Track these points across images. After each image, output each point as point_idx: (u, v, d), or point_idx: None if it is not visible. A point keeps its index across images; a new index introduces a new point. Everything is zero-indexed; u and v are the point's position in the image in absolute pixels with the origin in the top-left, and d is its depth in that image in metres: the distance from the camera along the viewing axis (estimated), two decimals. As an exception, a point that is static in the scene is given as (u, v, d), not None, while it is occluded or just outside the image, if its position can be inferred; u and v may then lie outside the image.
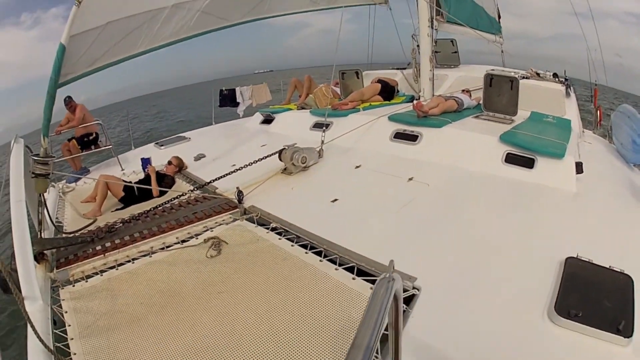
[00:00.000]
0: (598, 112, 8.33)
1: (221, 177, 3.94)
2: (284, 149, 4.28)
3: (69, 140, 6.22)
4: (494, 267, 2.42)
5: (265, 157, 4.24)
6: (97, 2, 3.22)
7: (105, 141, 6.29)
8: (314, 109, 6.36)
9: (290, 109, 6.74)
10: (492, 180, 3.76)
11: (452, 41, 8.12)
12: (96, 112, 6.52)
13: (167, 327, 2.09)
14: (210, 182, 3.94)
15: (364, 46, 9.36)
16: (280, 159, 4.28)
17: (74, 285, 2.54)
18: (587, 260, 2.34)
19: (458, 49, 8.18)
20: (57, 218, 3.81)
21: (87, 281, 2.57)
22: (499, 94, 5.37)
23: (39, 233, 2.94)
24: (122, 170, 5.34)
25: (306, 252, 2.66)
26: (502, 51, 10.79)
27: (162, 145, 6.22)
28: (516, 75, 5.44)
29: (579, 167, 3.74)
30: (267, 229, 3.08)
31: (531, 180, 3.65)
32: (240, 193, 3.52)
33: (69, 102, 6.24)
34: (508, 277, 2.33)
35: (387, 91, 6.67)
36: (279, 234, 2.98)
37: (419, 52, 6.85)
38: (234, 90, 8.39)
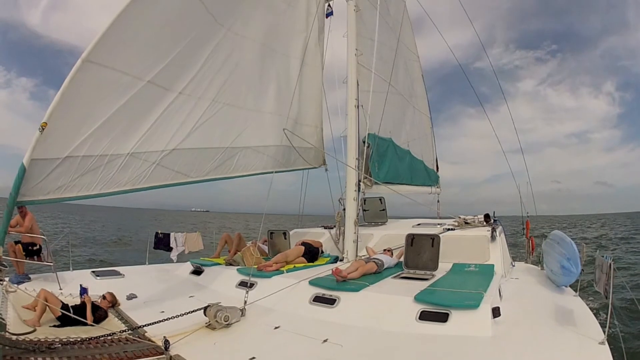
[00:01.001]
0: (530, 242, 8.90)
1: (151, 323, 4.15)
2: (209, 305, 4.49)
3: (15, 242, 6.43)
4: None
5: (192, 311, 4.42)
6: (58, 134, 3.63)
7: (46, 256, 6.54)
8: (241, 266, 6.68)
9: (219, 264, 7.07)
10: (406, 337, 3.93)
11: (380, 199, 8.75)
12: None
13: None
14: (141, 326, 4.19)
15: (296, 197, 9.91)
16: (205, 315, 4.45)
17: None
18: None
19: (386, 207, 8.76)
20: (0, 314, 4.00)
21: None
22: (420, 252, 5.81)
23: None
24: (60, 289, 5.51)
25: None
26: (438, 201, 11.76)
27: (98, 276, 6.43)
28: (438, 232, 5.92)
29: (495, 312, 4.01)
30: None
31: (446, 333, 3.86)
32: (167, 342, 3.76)
33: (21, 207, 6.61)
34: None
35: (311, 253, 7.13)
36: None
37: (344, 215, 7.50)
38: (168, 235, 8.85)
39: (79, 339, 3.76)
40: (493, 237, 6.61)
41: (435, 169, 12.43)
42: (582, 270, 5.38)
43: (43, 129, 3.56)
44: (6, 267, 3.48)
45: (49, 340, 3.65)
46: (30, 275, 6.17)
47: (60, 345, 3.52)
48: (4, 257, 3.59)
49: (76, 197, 4.11)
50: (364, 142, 8.23)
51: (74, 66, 3.81)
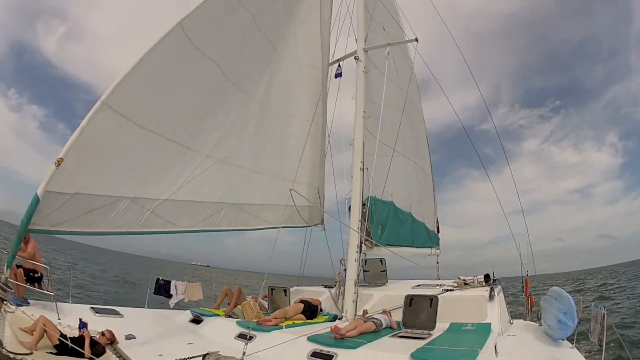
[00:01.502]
0: (529, 300, 8.90)
1: None
2: (209, 353, 4.43)
3: (17, 266, 6.41)
4: None
5: (191, 357, 4.45)
6: (71, 171, 3.84)
7: (47, 285, 6.53)
8: (240, 319, 6.70)
9: (219, 315, 7.08)
10: None
11: (381, 260, 8.82)
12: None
13: None
14: None
15: (298, 257, 9.94)
16: None
17: None
18: None
19: (386, 268, 8.81)
20: None
21: None
22: (418, 312, 5.91)
23: None
24: (59, 319, 5.50)
25: None
26: (437, 262, 11.82)
27: (97, 312, 6.41)
28: (437, 293, 6.00)
29: None
30: None
31: None
32: None
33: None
34: None
35: (310, 311, 7.16)
36: None
37: (345, 275, 7.57)
38: (169, 282, 8.86)
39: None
40: (491, 297, 6.71)
41: (435, 231, 12.51)
42: (579, 322, 5.45)
43: (59, 164, 3.75)
44: (11, 289, 3.56)
45: None
46: (29, 301, 6.15)
47: (58, 374, 3.52)
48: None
49: (79, 233, 4.27)
50: (364, 204, 8.36)
51: (93, 107, 4.08)
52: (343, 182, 9.06)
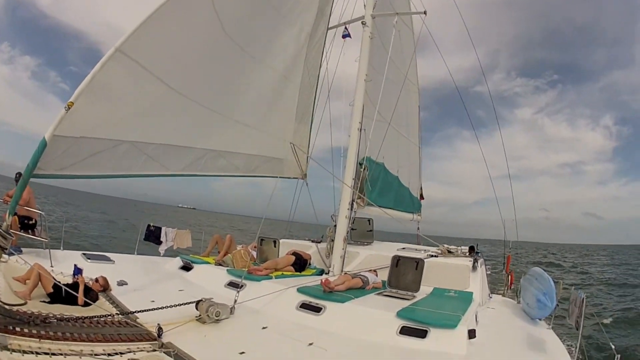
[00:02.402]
0: (510, 277, 9.08)
1: (145, 310, 4.24)
2: (202, 300, 4.62)
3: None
4: None
5: (185, 303, 4.56)
6: (80, 115, 3.81)
7: (41, 232, 6.53)
8: (231, 268, 6.75)
9: (209, 263, 7.12)
10: (387, 349, 4.15)
11: (368, 220, 8.98)
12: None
13: None
14: (134, 311, 4.27)
15: (284, 202, 9.91)
16: (197, 308, 4.57)
17: (11, 353, 2.77)
18: None
19: (373, 228, 8.99)
20: None
21: (23, 355, 2.81)
22: (404, 273, 6.03)
23: None
24: (52, 266, 5.48)
25: None
26: (418, 228, 11.97)
27: (89, 258, 6.42)
28: (422, 257, 6.11)
29: (471, 333, 4.22)
30: None
31: (423, 348, 4.08)
32: (160, 329, 3.86)
33: (18, 179, 6.60)
34: None
35: (300, 264, 7.30)
36: None
37: (334, 232, 7.65)
38: (160, 228, 8.89)
39: (73, 317, 3.81)
40: (474, 267, 6.84)
41: (419, 197, 12.70)
42: (557, 305, 5.50)
43: (69, 108, 3.69)
44: (12, 236, 3.51)
45: (42, 314, 3.69)
46: (22, 249, 6.13)
47: (55, 320, 3.56)
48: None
49: (82, 176, 4.24)
50: (360, 164, 8.42)
51: (106, 53, 4.02)
52: (326, 135, 9.29)
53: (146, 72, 4.52)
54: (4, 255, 4.83)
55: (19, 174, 6.76)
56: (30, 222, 6.49)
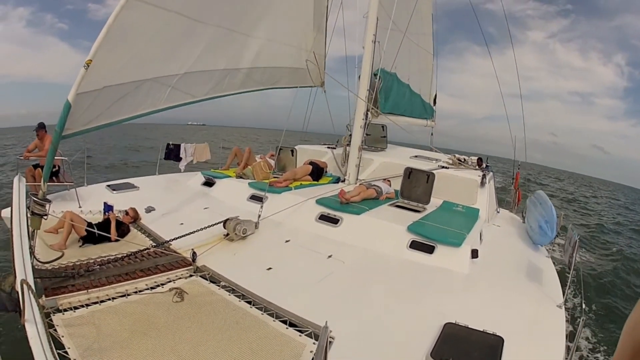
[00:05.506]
0: (517, 194, 9.17)
1: (177, 238, 4.37)
2: (229, 219, 4.77)
3: (34, 166, 6.46)
4: (390, 325, 3.12)
5: (213, 225, 4.72)
6: (100, 69, 3.70)
7: (64, 176, 6.50)
8: (251, 180, 6.83)
9: (229, 176, 7.15)
10: (398, 261, 4.37)
11: (382, 127, 8.90)
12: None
13: (151, 350, 2.57)
14: (168, 241, 4.40)
15: (298, 114, 9.62)
16: (224, 227, 4.75)
17: (63, 314, 2.91)
18: (464, 325, 2.95)
19: (387, 134, 8.94)
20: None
21: (74, 311, 2.96)
22: (416, 185, 6.10)
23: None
24: (80, 207, 5.52)
25: (250, 307, 3.25)
26: (431, 134, 11.94)
27: (114, 190, 6.44)
28: (433, 169, 6.12)
29: (474, 253, 4.39)
30: (218, 285, 3.62)
31: (430, 263, 4.29)
32: (194, 254, 4.07)
33: (38, 130, 6.54)
34: (400, 332, 3.03)
35: (317, 172, 7.37)
36: (228, 290, 3.53)
37: (350, 141, 7.64)
38: (179, 146, 8.81)
39: (112, 258, 3.95)
40: (482, 183, 6.79)
41: (432, 103, 12.30)
42: (557, 234, 5.55)
43: (88, 66, 3.52)
44: (50, 201, 3.46)
45: (83, 262, 3.82)
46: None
47: (97, 267, 3.68)
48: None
49: (110, 124, 4.15)
50: (375, 74, 8.05)
51: (118, 3, 3.73)
52: (338, 41, 8.78)
53: (161, 10, 4.24)
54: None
55: (41, 125, 6.58)
56: (54, 170, 6.41)
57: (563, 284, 4.22)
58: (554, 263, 5.26)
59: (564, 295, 3.94)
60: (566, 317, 3.51)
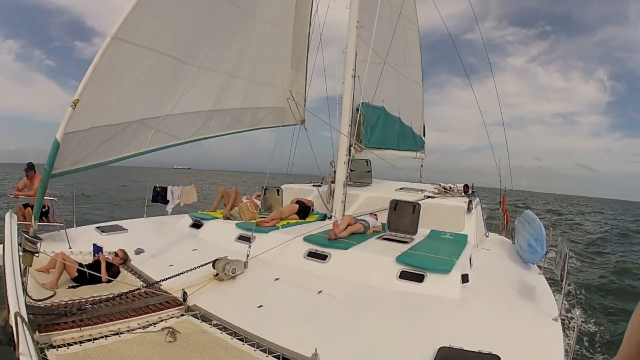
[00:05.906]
0: (505, 216, 9.24)
1: (167, 278, 4.38)
2: (218, 259, 4.79)
3: (24, 206, 6.49)
4: (383, 353, 3.11)
5: (202, 265, 4.74)
6: (87, 109, 3.77)
7: (54, 216, 6.55)
8: (239, 221, 6.85)
9: (217, 218, 7.17)
10: (388, 292, 4.37)
11: (366, 161, 8.97)
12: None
13: None
14: (158, 282, 4.40)
15: (282, 156, 9.72)
16: (214, 267, 4.76)
17: (57, 350, 2.88)
18: (458, 347, 2.92)
19: (371, 169, 8.99)
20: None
21: (68, 348, 2.93)
22: (402, 217, 6.16)
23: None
24: (70, 248, 5.51)
25: (243, 344, 3.24)
26: (421, 165, 12.04)
27: (103, 231, 6.43)
28: (419, 199, 6.18)
29: (464, 278, 4.42)
30: (210, 324, 3.59)
31: (421, 292, 4.29)
32: (185, 294, 4.06)
33: (28, 171, 6.65)
34: (393, 359, 3.02)
35: (303, 211, 7.41)
36: (220, 329, 3.51)
37: (334, 177, 7.70)
38: (166, 188, 8.87)
39: (104, 297, 3.93)
40: (469, 209, 6.89)
41: (422, 135, 12.52)
42: (547, 251, 5.62)
43: (75, 105, 3.61)
44: (41, 239, 3.49)
45: (75, 301, 3.80)
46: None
47: (89, 305, 3.67)
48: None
49: (97, 165, 4.20)
50: (357, 109, 8.26)
51: (103, 43, 3.86)
52: (320, 82, 9.04)
53: (146, 49, 4.36)
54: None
55: (29, 165, 6.67)
56: (44, 210, 6.46)
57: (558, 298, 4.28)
58: (547, 278, 5.34)
59: (558, 308, 3.99)
60: (563, 329, 3.56)
